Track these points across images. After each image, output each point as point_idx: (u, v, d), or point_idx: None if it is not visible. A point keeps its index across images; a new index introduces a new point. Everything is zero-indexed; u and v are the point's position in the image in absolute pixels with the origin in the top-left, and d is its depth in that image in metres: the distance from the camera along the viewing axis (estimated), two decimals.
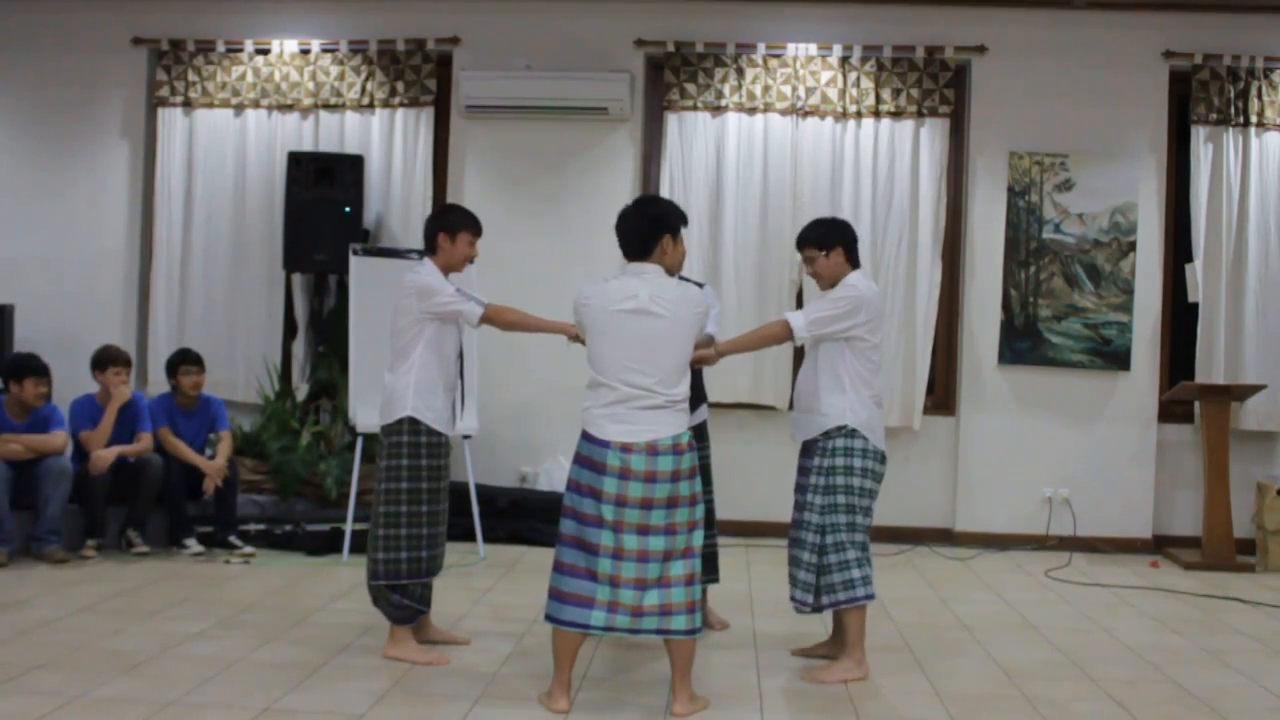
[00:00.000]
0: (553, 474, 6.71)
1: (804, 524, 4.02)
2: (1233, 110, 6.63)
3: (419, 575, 4.04)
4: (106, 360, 5.89)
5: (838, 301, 3.99)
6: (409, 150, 6.92)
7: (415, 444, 4.01)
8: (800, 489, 4.09)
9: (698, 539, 3.57)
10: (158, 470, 5.80)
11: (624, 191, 6.70)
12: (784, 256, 6.73)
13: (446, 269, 4.16)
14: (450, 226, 4.15)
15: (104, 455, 5.71)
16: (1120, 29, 6.71)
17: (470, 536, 5.96)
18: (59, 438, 5.73)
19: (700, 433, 4.37)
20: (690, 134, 6.80)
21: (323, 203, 6.62)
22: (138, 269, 7.13)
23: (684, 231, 3.87)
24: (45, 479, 5.58)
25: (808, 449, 4.09)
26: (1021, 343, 6.71)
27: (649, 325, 3.52)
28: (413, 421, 4.00)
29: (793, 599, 4.06)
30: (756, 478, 6.66)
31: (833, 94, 6.74)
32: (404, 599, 4.05)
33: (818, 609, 4.02)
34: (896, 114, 6.74)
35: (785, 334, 4.00)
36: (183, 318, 7.04)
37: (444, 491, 4.12)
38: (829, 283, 4.15)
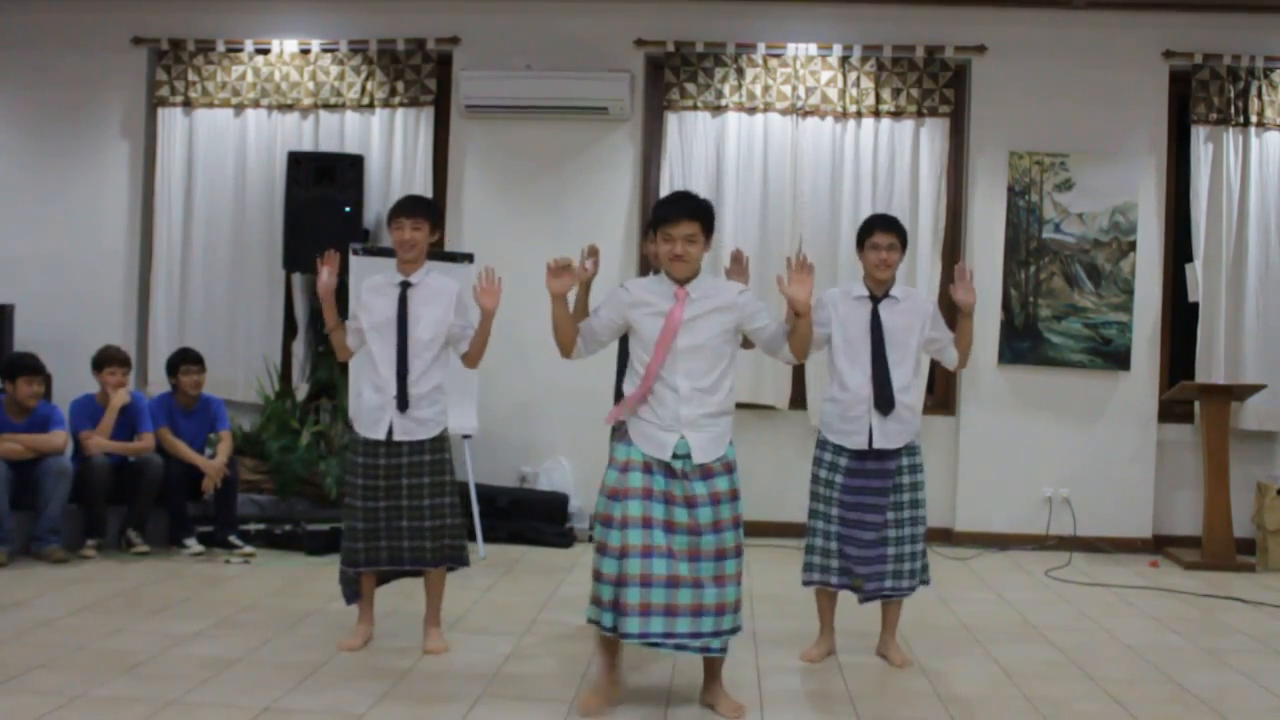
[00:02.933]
0: (553, 474, 6.71)
1: (901, 522, 4.13)
2: (1233, 110, 6.63)
3: (349, 563, 4.20)
4: (103, 361, 5.89)
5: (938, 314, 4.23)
6: (409, 150, 6.92)
7: (352, 441, 4.22)
8: (879, 492, 4.09)
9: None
10: (158, 470, 5.80)
11: (624, 191, 6.70)
12: (784, 257, 6.70)
13: (401, 261, 4.19)
14: (387, 219, 4.25)
15: (100, 441, 5.73)
16: (1120, 29, 6.70)
17: (470, 536, 5.95)
18: (59, 437, 5.73)
19: None
20: (690, 134, 6.79)
21: (323, 203, 6.62)
22: (138, 269, 7.13)
23: (676, 232, 3.50)
24: (45, 479, 5.58)
25: (882, 454, 4.10)
26: (1021, 342, 6.71)
27: None
28: (347, 422, 4.15)
29: (914, 587, 4.18)
30: (756, 478, 6.65)
31: (833, 94, 6.74)
32: (341, 579, 4.30)
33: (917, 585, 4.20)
34: (896, 114, 6.74)
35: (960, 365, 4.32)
36: (183, 318, 7.04)
37: (381, 491, 4.11)
38: (889, 276, 4.13)
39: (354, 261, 6.08)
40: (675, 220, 3.50)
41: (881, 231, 4.12)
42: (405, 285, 4.15)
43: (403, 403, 4.08)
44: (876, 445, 4.08)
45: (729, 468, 3.56)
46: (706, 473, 3.51)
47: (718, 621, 3.44)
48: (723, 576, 3.45)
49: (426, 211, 4.19)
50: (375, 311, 4.15)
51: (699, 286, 3.55)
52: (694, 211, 3.52)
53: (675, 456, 3.49)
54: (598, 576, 3.46)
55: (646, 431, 3.53)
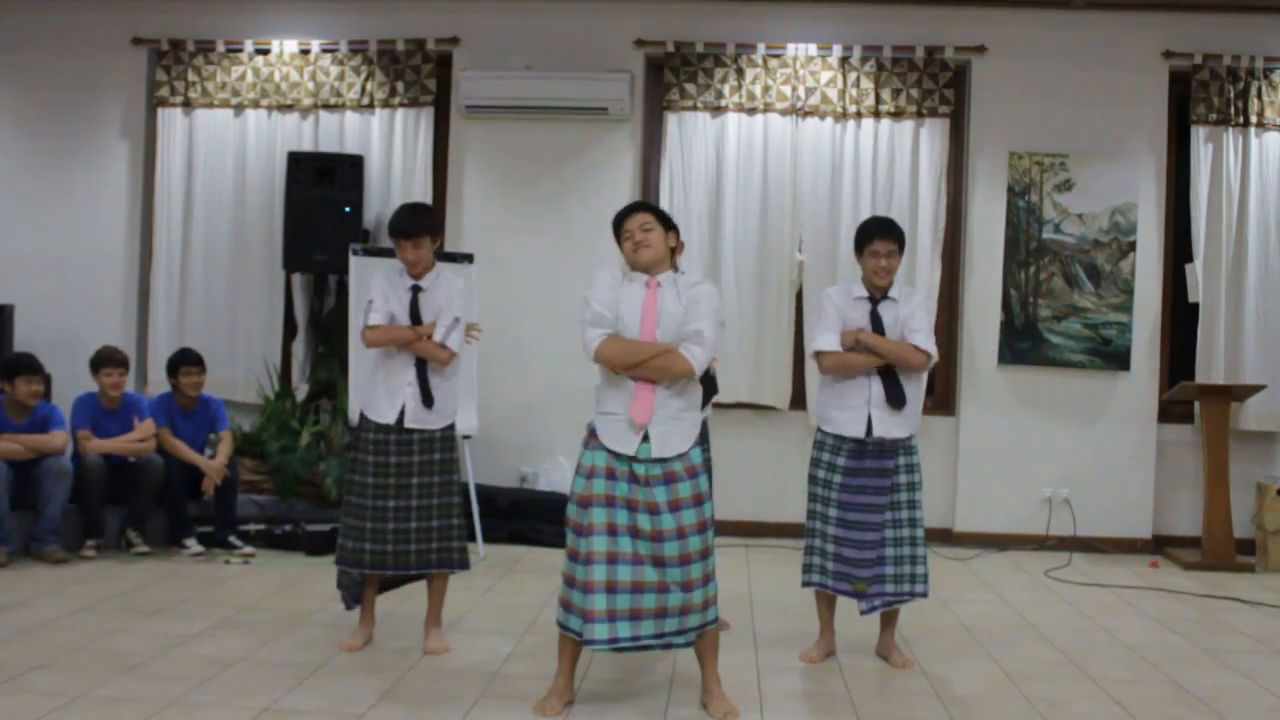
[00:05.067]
0: (552, 474, 6.71)
1: (900, 523, 4.10)
2: (1233, 110, 6.63)
3: (350, 564, 4.17)
4: (99, 362, 5.91)
5: (929, 310, 4.17)
6: (409, 150, 6.92)
7: (360, 439, 4.19)
8: (878, 491, 4.07)
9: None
10: (158, 470, 5.80)
11: (624, 191, 6.69)
12: (784, 257, 6.73)
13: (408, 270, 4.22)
14: (389, 233, 4.28)
15: (97, 443, 5.76)
16: (1120, 29, 6.71)
17: (470, 536, 5.95)
18: (59, 438, 5.73)
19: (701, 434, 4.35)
20: (690, 134, 6.79)
21: (323, 203, 6.62)
22: (138, 269, 7.13)
23: (631, 225, 3.62)
24: (45, 479, 5.58)
25: (880, 453, 4.09)
26: (1021, 343, 6.71)
27: None
28: (362, 416, 4.23)
29: (915, 594, 4.13)
30: (756, 478, 6.67)
31: (833, 94, 6.74)
32: (339, 584, 4.27)
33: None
34: (896, 114, 6.74)
35: (923, 359, 4.11)
36: (183, 318, 7.04)
37: (392, 489, 4.12)
38: (888, 282, 4.13)
39: (354, 261, 6.08)
40: (629, 215, 3.67)
41: (880, 239, 4.11)
42: (416, 290, 4.19)
43: (427, 399, 4.13)
44: (876, 433, 4.08)
45: (693, 472, 3.52)
46: (669, 478, 3.48)
47: (682, 621, 3.46)
48: (689, 581, 3.45)
49: (425, 227, 4.19)
50: (392, 303, 4.18)
51: (666, 277, 3.62)
52: (645, 206, 3.73)
53: (638, 459, 3.47)
54: (567, 581, 3.50)
55: (613, 428, 3.51)
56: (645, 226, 3.60)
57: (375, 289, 4.18)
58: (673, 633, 3.46)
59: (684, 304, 3.54)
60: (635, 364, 3.48)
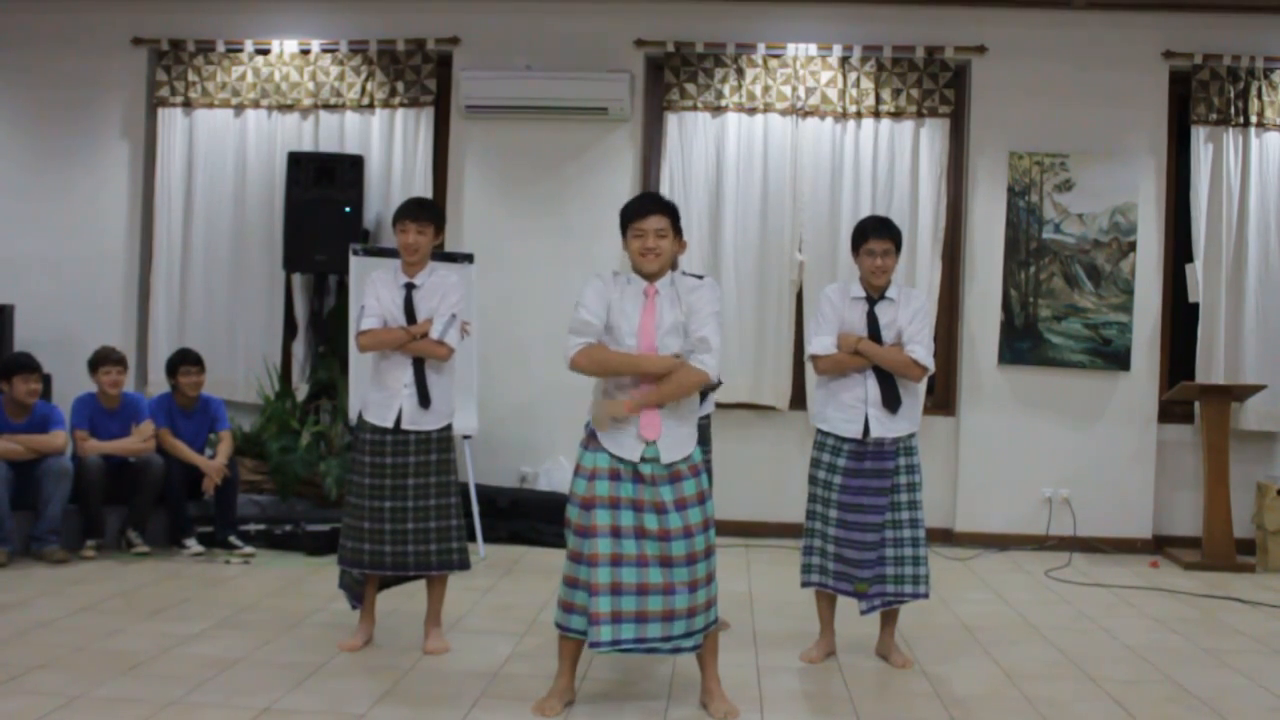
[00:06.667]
0: (552, 474, 6.71)
1: (900, 523, 4.09)
2: (1233, 110, 6.63)
3: (350, 564, 4.20)
4: (98, 361, 5.92)
5: (928, 315, 4.15)
6: (409, 150, 6.92)
7: (358, 439, 4.20)
8: (878, 492, 4.07)
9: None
10: (158, 470, 5.80)
11: (624, 192, 6.68)
12: (784, 257, 6.73)
13: (405, 264, 4.23)
14: (393, 221, 4.29)
15: (95, 444, 5.76)
16: (1120, 29, 6.71)
17: (470, 536, 5.95)
18: (59, 438, 5.73)
19: (703, 435, 4.35)
20: (690, 134, 6.79)
21: (323, 203, 6.62)
22: (138, 269, 7.13)
23: (646, 226, 3.48)
24: (45, 479, 5.58)
25: (880, 453, 4.08)
26: (1021, 343, 6.71)
27: None
28: (360, 416, 4.24)
29: (918, 595, 4.12)
30: (757, 478, 6.66)
31: (833, 94, 6.74)
32: (341, 584, 4.29)
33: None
34: (896, 114, 6.73)
35: (921, 373, 4.09)
36: (183, 318, 7.04)
37: (387, 490, 4.13)
38: (885, 281, 4.14)
39: (354, 261, 6.08)
40: (645, 214, 3.50)
41: (876, 238, 4.11)
42: (410, 287, 4.18)
43: (425, 400, 4.12)
44: (874, 434, 4.08)
45: (696, 471, 3.52)
46: (674, 476, 3.47)
47: (689, 624, 3.45)
48: (695, 581, 3.44)
49: (431, 215, 4.22)
50: (385, 303, 4.17)
51: (665, 284, 3.53)
52: (663, 206, 3.54)
53: (644, 460, 3.46)
54: (568, 583, 3.48)
55: (615, 434, 3.49)
56: (660, 233, 3.48)
57: (367, 293, 4.18)
58: (680, 636, 3.44)
59: (684, 310, 3.48)
60: (609, 372, 3.46)
